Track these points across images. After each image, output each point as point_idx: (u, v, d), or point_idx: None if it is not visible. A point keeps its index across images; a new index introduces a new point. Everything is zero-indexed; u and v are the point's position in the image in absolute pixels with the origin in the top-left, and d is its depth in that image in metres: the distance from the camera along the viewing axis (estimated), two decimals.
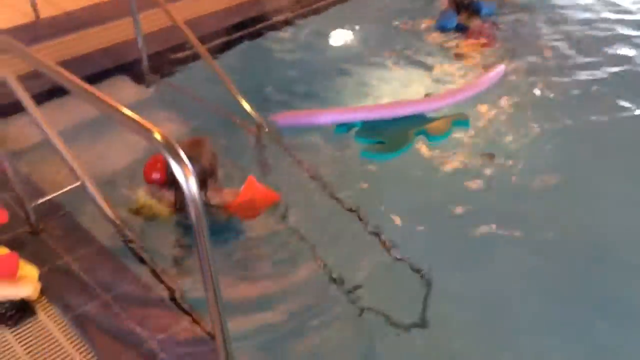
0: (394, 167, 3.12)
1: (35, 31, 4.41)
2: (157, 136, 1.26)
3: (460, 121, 3.40)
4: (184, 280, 2.30)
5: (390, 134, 3.27)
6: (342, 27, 4.73)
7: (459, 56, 4.25)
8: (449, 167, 3.10)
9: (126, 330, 2.01)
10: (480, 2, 4.77)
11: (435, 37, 4.52)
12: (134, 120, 1.31)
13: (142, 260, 2.39)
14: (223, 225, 2.62)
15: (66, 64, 3.79)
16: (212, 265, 1.36)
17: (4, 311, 2.06)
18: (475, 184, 2.97)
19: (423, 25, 4.67)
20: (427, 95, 3.66)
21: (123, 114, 1.34)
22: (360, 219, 2.68)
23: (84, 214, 2.58)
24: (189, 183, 1.25)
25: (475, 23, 4.61)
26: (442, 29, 4.57)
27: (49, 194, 2.57)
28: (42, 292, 2.16)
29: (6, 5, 4.93)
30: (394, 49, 4.33)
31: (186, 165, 1.24)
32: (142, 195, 2.61)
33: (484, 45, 4.38)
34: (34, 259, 2.25)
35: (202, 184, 2.50)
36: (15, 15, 4.73)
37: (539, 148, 3.24)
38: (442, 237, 2.64)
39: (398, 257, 2.48)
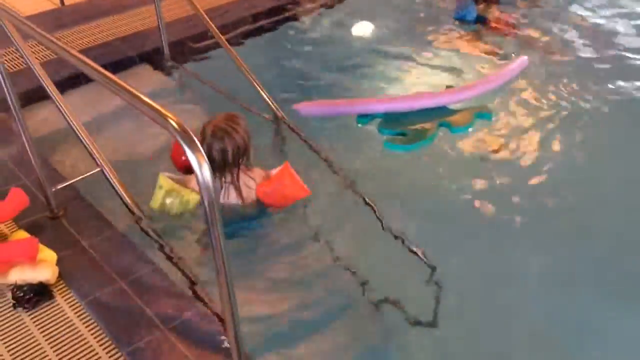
0: (416, 158, 3.09)
1: (59, 18, 4.46)
2: (173, 123, 1.26)
3: (483, 113, 3.35)
4: (201, 269, 2.31)
5: (412, 125, 3.24)
6: (363, 18, 4.68)
7: (478, 47, 4.18)
8: (468, 160, 3.07)
9: (141, 316, 2.02)
10: None
11: (455, 27, 4.45)
12: (150, 106, 1.31)
13: (159, 247, 2.42)
14: (245, 215, 2.55)
15: (88, 51, 3.85)
16: (226, 258, 1.36)
17: (22, 294, 2.08)
18: (492, 180, 2.92)
19: (442, 17, 4.61)
20: (448, 87, 3.62)
21: (140, 100, 1.34)
22: (381, 221, 2.61)
23: (103, 201, 2.59)
24: (202, 170, 1.24)
25: (494, 13, 4.54)
26: (462, 20, 4.51)
27: (69, 180, 2.61)
28: (60, 276, 2.19)
29: None
30: (415, 39, 4.28)
31: (200, 152, 1.23)
32: (163, 179, 2.42)
33: (504, 35, 4.31)
34: (53, 243, 2.29)
35: (234, 161, 2.41)
36: (40, 1, 4.80)
37: (556, 147, 3.18)
38: (459, 234, 2.60)
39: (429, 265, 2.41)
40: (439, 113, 3.34)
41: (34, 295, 2.10)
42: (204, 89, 3.61)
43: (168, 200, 2.44)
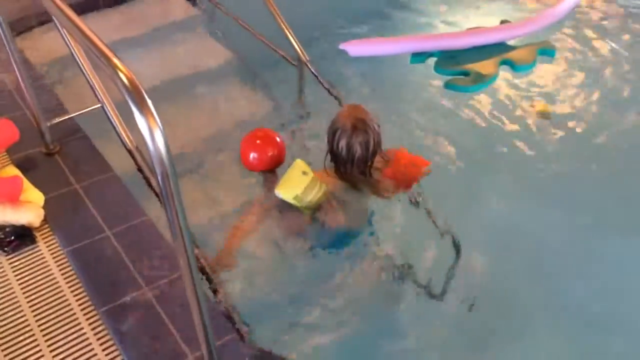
0: (475, 100, 2.83)
1: None
2: (122, 77, 1.02)
3: (546, 49, 3.05)
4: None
5: (472, 64, 2.96)
6: None
7: None
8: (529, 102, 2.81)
9: (123, 274, 1.87)
10: None
11: None
12: (101, 50, 1.08)
13: (155, 194, 2.24)
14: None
15: None
16: (186, 232, 1.15)
17: (3, 236, 1.96)
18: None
19: None
20: (503, 22, 3.28)
21: (91, 40, 1.10)
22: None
23: (102, 139, 2.42)
24: (155, 138, 1.01)
25: None
26: None
27: (69, 114, 2.44)
28: (46, 219, 2.05)
29: None
30: None
31: (153, 116, 1.00)
32: (301, 164, 2.12)
33: None
34: (43, 182, 2.14)
35: (374, 152, 2.11)
36: None
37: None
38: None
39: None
40: (499, 50, 3.06)
41: (15, 238, 1.97)
42: (229, 23, 3.33)
43: (309, 192, 2.09)
